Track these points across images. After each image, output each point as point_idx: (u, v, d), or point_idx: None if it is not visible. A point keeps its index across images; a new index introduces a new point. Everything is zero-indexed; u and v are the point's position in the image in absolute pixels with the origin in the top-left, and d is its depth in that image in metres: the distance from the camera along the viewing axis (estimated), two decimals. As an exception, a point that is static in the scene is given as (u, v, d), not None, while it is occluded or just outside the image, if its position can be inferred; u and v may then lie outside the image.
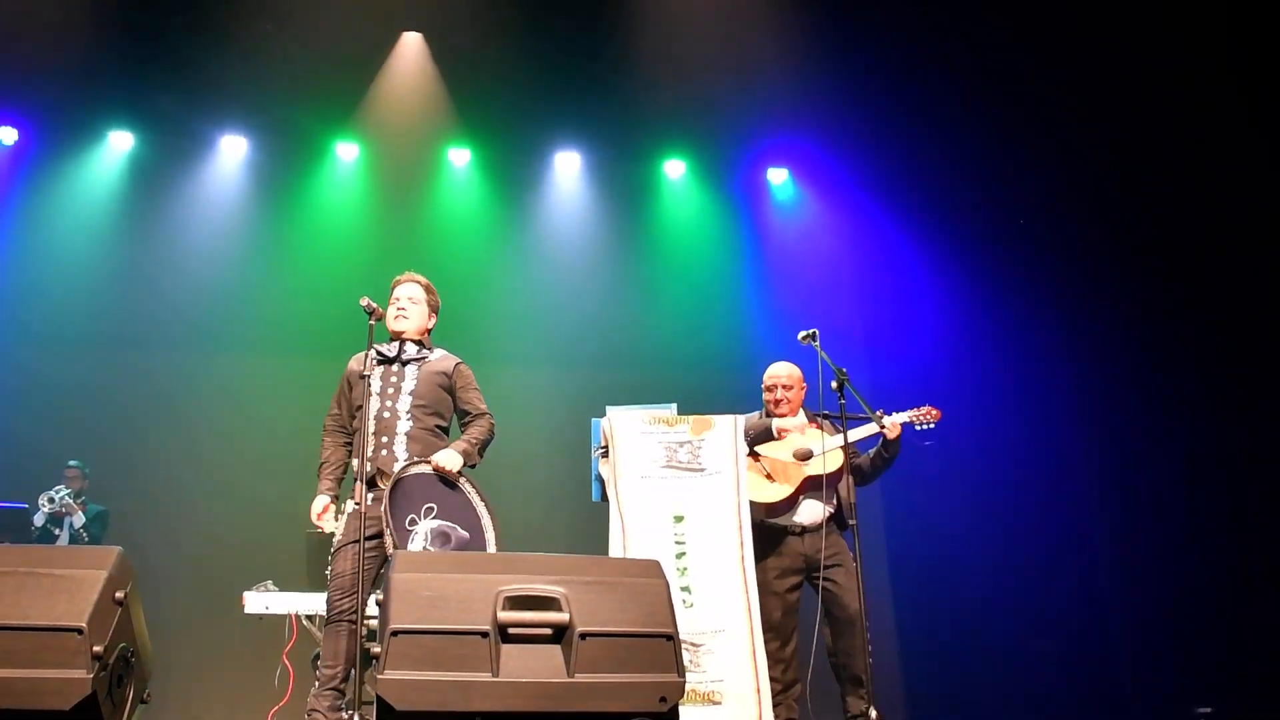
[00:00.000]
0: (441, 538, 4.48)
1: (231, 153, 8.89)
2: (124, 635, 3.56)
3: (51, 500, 7.56)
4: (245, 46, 8.24)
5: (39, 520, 7.54)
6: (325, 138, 8.88)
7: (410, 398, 4.78)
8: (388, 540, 4.41)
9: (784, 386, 5.57)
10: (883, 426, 5.34)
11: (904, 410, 5.48)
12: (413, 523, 4.47)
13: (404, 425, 4.69)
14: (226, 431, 8.23)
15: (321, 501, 4.81)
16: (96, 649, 3.34)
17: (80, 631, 3.34)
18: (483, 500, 4.69)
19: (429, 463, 4.64)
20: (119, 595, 3.54)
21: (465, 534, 4.54)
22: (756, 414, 5.64)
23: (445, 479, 4.65)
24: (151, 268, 8.66)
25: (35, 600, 3.40)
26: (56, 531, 7.62)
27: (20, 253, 8.46)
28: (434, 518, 4.52)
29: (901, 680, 7.70)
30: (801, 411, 5.63)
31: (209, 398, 8.35)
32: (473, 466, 4.79)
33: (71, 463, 7.84)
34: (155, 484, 8.11)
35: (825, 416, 5.44)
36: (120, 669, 3.53)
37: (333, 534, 4.74)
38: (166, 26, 8.15)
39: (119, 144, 8.77)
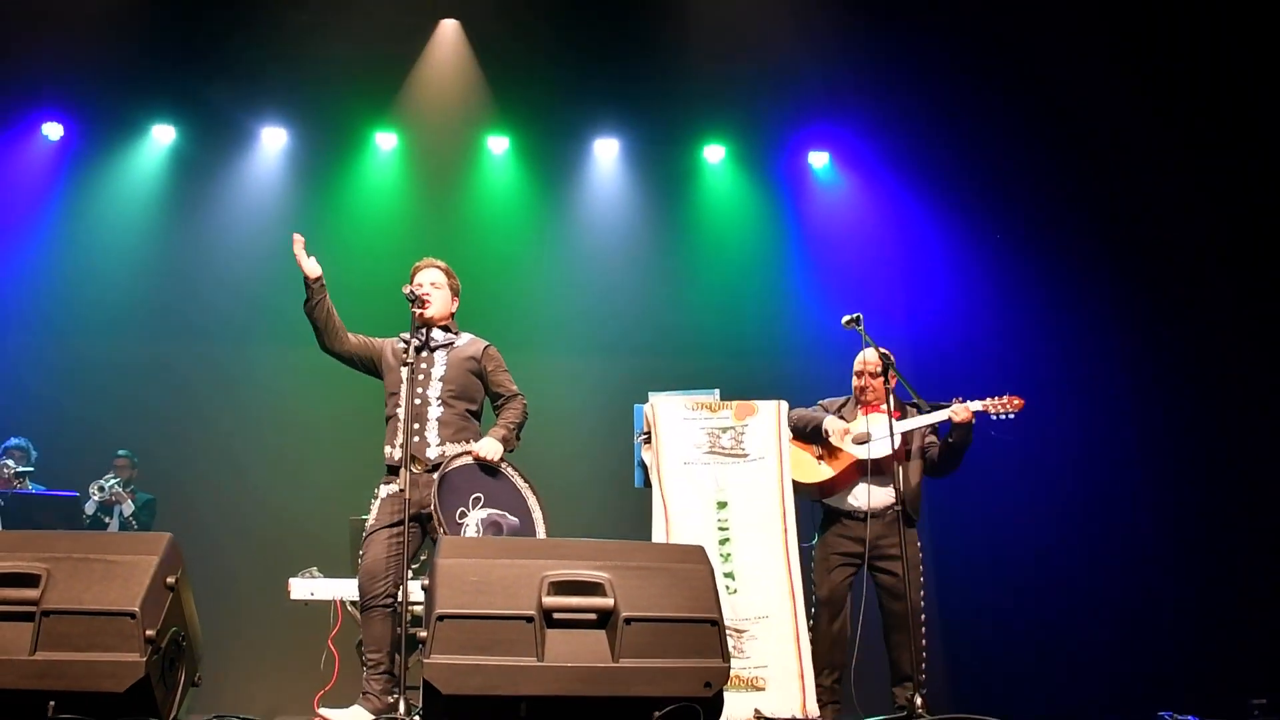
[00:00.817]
0: (494, 527, 4.50)
1: (272, 144, 8.94)
2: (175, 619, 3.61)
3: (101, 489, 7.64)
4: (284, 38, 8.28)
5: (90, 509, 7.63)
6: (364, 127, 8.90)
7: (441, 384, 4.78)
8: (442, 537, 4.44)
9: (872, 374, 5.51)
10: (949, 413, 5.25)
11: (980, 398, 5.37)
12: (463, 515, 4.48)
13: (435, 411, 4.70)
14: (270, 420, 8.30)
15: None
16: (149, 633, 3.40)
17: (133, 616, 3.39)
18: (527, 483, 4.71)
19: (470, 453, 4.65)
20: (170, 580, 3.59)
21: (515, 520, 4.55)
22: (844, 398, 5.60)
23: (487, 467, 4.67)
24: (194, 259, 8.73)
25: (89, 585, 3.46)
26: (107, 520, 7.71)
27: (67, 246, 8.55)
28: (482, 507, 4.54)
29: (947, 672, 7.66)
30: (891, 399, 5.56)
31: (252, 387, 8.42)
32: (511, 451, 4.79)
33: (120, 452, 7.92)
34: (202, 473, 8.19)
35: (913, 405, 5.39)
36: (172, 652, 3.58)
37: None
38: (207, 20, 8.21)
39: (161, 137, 8.83)
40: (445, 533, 4.40)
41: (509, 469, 4.72)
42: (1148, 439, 7.54)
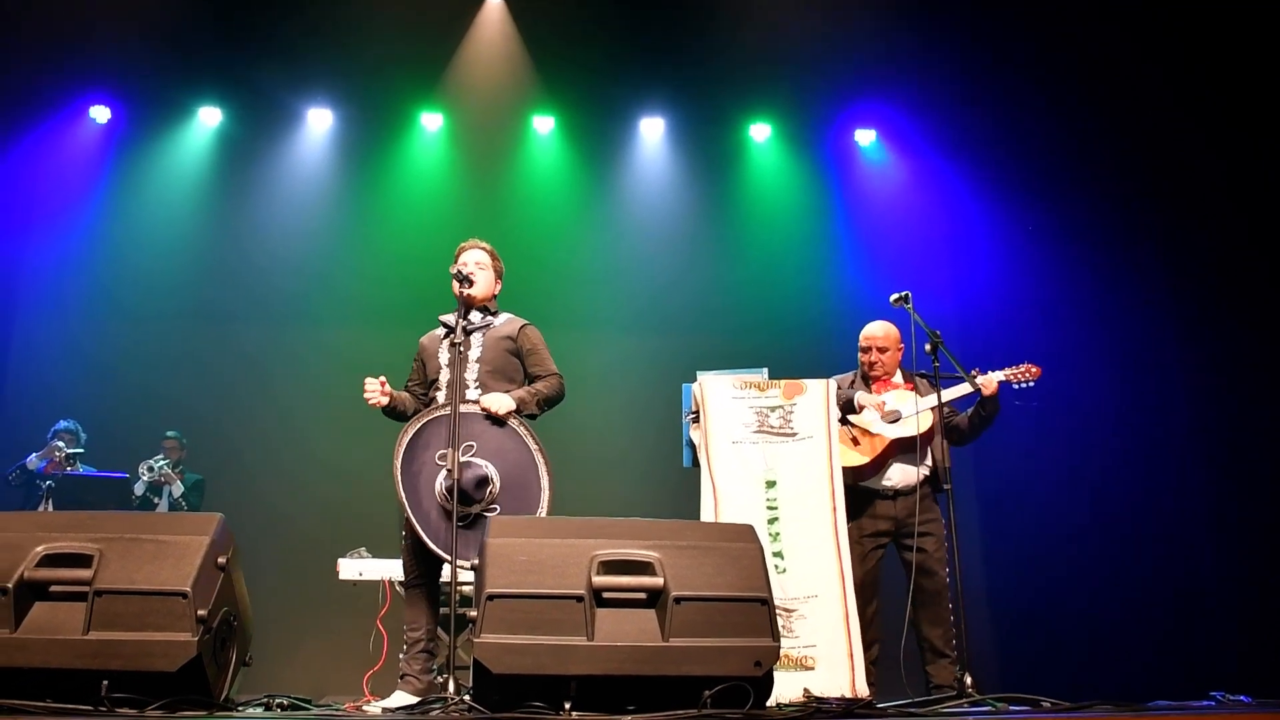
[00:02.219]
0: (477, 478, 4.45)
1: (318, 125, 8.97)
2: (226, 599, 3.62)
3: (151, 469, 7.72)
4: (330, 19, 8.30)
5: (139, 489, 7.72)
6: (410, 108, 8.91)
7: (478, 365, 4.76)
8: (398, 480, 4.45)
9: (879, 349, 5.50)
10: (976, 386, 5.24)
11: (1000, 369, 5.36)
12: (443, 458, 4.42)
13: (473, 393, 4.67)
14: (318, 401, 8.34)
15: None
16: (200, 613, 3.42)
17: (185, 596, 3.41)
18: (531, 435, 4.61)
19: (476, 402, 4.61)
20: (221, 560, 3.61)
21: (484, 471, 4.46)
22: (851, 374, 5.57)
23: (494, 420, 4.60)
24: (242, 241, 8.79)
25: (141, 565, 3.49)
26: (156, 500, 7.79)
27: (115, 229, 8.63)
28: (472, 455, 4.48)
29: (994, 648, 7.60)
30: (899, 372, 5.55)
31: (300, 367, 8.47)
32: (531, 417, 4.73)
33: (169, 433, 8.00)
34: (250, 453, 8.25)
35: (923, 376, 5.37)
36: (223, 632, 3.60)
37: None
38: (252, 2, 8.25)
39: (208, 120, 8.89)
40: (399, 474, 4.43)
41: (521, 428, 4.63)
42: (1200, 412, 7.39)
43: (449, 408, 4.54)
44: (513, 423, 4.62)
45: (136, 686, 3.34)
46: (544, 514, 4.48)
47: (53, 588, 3.47)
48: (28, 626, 3.40)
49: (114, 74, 8.56)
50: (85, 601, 3.41)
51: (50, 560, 3.49)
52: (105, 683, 3.29)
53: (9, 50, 8.08)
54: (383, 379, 4.81)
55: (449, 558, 4.23)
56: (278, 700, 3.82)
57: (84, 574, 3.45)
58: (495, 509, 4.43)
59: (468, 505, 4.38)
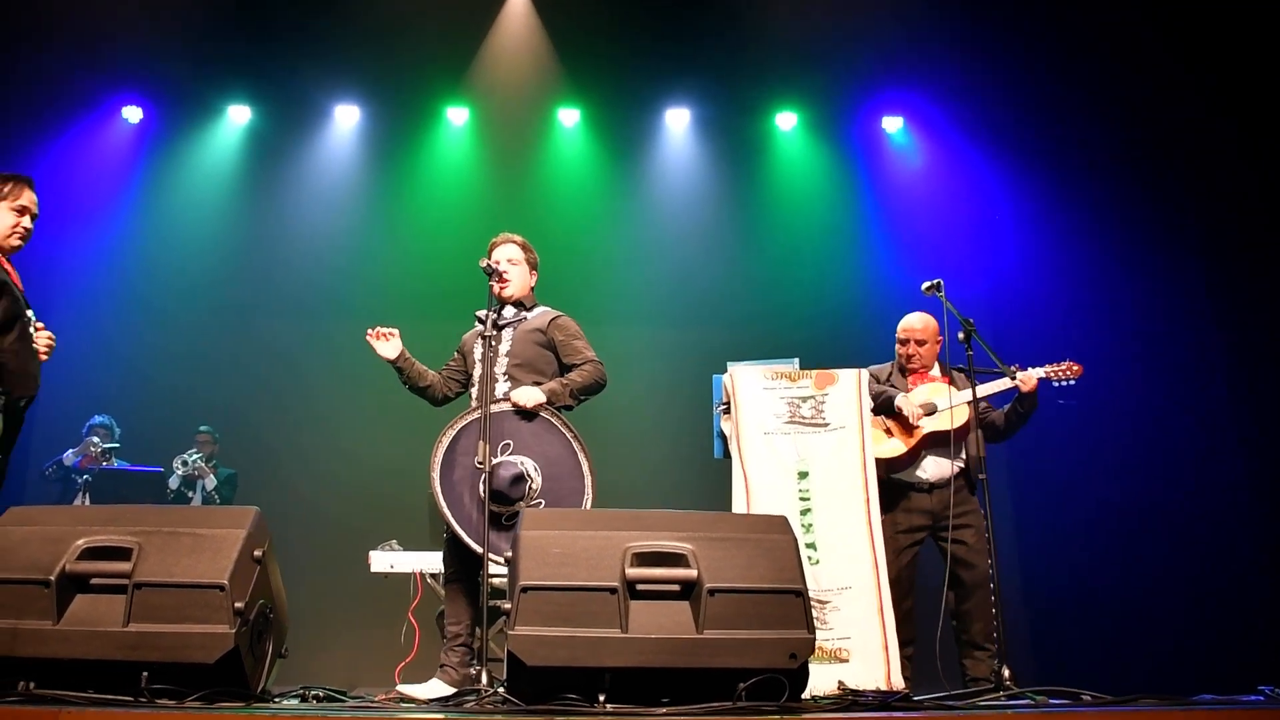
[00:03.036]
0: (513, 476, 4.46)
1: (345, 121, 9.01)
2: (262, 592, 3.65)
3: (185, 464, 7.78)
4: (356, 17, 8.33)
5: (173, 483, 7.78)
6: (436, 103, 8.94)
7: (506, 359, 4.78)
8: (436, 489, 4.45)
9: (917, 341, 5.48)
10: (1015, 380, 5.20)
11: (1041, 365, 5.32)
12: (480, 461, 4.41)
13: (502, 388, 4.68)
14: (349, 395, 8.37)
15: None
16: (238, 605, 3.44)
17: (222, 588, 3.44)
18: (566, 426, 4.62)
19: (506, 399, 4.61)
20: (257, 553, 3.63)
21: (519, 468, 4.47)
22: (888, 365, 5.55)
23: (526, 415, 4.60)
24: (272, 237, 8.83)
25: (179, 558, 3.52)
26: (190, 494, 7.85)
27: (147, 226, 8.70)
28: (509, 453, 4.49)
29: (1030, 641, 7.56)
30: (936, 365, 5.52)
31: (331, 362, 8.51)
32: (567, 408, 4.73)
33: (202, 428, 8.06)
34: (282, 447, 8.30)
35: (960, 369, 5.34)
36: (260, 624, 3.62)
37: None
38: (279, 2, 8.29)
39: (237, 118, 8.95)
40: (440, 483, 4.43)
41: (555, 420, 4.64)
42: (1240, 401, 7.33)
43: (478, 411, 4.56)
44: (546, 415, 4.63)
45: (175, 678, 3.37)
46: (589, 499, 4.50)
47: (93, 580, 3.50)
48: (69, 619, 3.44)
49: (145, 74, 8.64)
50: (125, 594, 3.45)
51: (90, 553, 3.53)
52: (145, 674, 3.32)
53: (44, 52, 8.17)
54: (394, 331, 4.88)
55: (486, 552, 4.25)
56: (313, 692, 3.83)
57: (123, 567, 3.49)
58: (540, 504, 4.45)
59: (507, 504, 4.39)
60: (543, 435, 4.60)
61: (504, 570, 4.15)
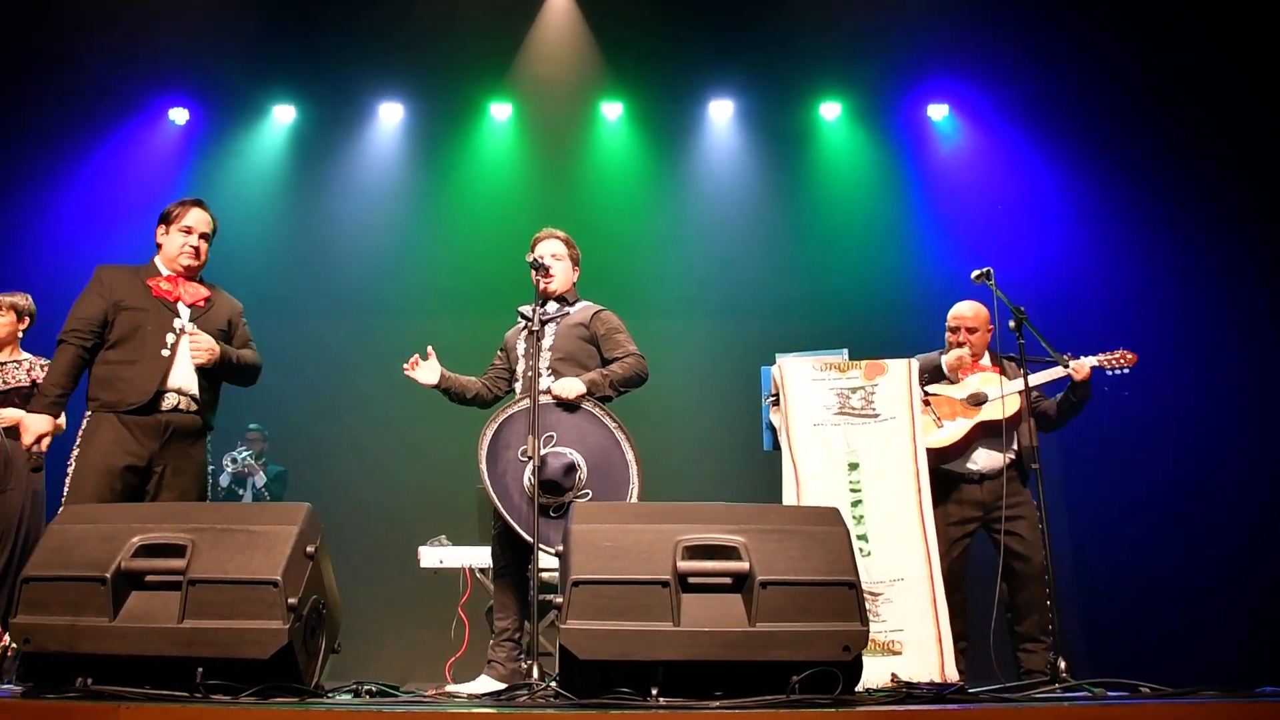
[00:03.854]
0: (564, 466, 4.45)
1: (389, 119, 9.06)
2: (315, 588, 3.66)
3: (234, 461, 7.86)
4: (398, 14, 8.37)
5: (224, 481, 7.85)
6: (479, 98, 8.97)
7: (549, 353, 4.77)
8: (486, 481, 4.44)
9: (968, 329, 5.42)
10: (1068, 369, 5.14)
11: (1094, 353, 5.25)
12: (525, 454, 4.42)
13: (546, 382, 4.66)
14: (396, 392, 8.35)
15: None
16: (291, 601, 3.45)
17: (275, 584, 3.45)
18: (608, 415, 4.60)
19: (547, 391, 4.58)
20: (310, 549, 3.64)
21: (569, 458, 4.46)
22: (936, 353, 5.49)
23: (568, 406, 4.58)
24: (318, 234, 8.90)
25: (233, 555, 3.53)
26: (240, 491, 7.92)
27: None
28: (553, 445, 4.47)
29: (1084, 633, 7.47)
30: (987, 354, 5.47)
31: (377, 358, 8.51)
32: (606, 399, 4.70)
33: (252, 426, 8.13)
34: (330, 444, 8.36)
35: (1010, 358, 5.28)
36: (313, 620, 3.63)
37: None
38: (321, 2, 8.35)
39: (282, 118, 9.03)
40: (485, 475, 4.42)
41: (597, 410, 4.61)
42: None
43: (522, 403, 4.57)
44: (587, 405, 4.61)
45: (230, 674, 3.39)
46: (635, 489, 4.48)
47: (148, 577, 3.53)
48: (125, 615, 3.46)
49: (190, 76, 8.75)
50: (179, 591, 3.47)
51: (145, 550, 3.55)
52: (200, 670, 3.34)
53: (93, 56, 8.28)
54: (428, 351, 4.91)
55: (536, 544, 4.25)
56: (366, 687, 3.85)
57: (178, 564, 3.51)
58: (587, 494, 4.44)
59: (559, 495, 4.39)
60: (585, 427, 4.59)
61: (553, 564, 4.14)
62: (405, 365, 4.92)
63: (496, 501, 4.43)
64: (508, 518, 4.41)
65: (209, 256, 4.93)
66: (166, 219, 4.81)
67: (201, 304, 4.76)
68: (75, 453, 4.47)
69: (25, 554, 5.52)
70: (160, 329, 4.58)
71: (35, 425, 4.51)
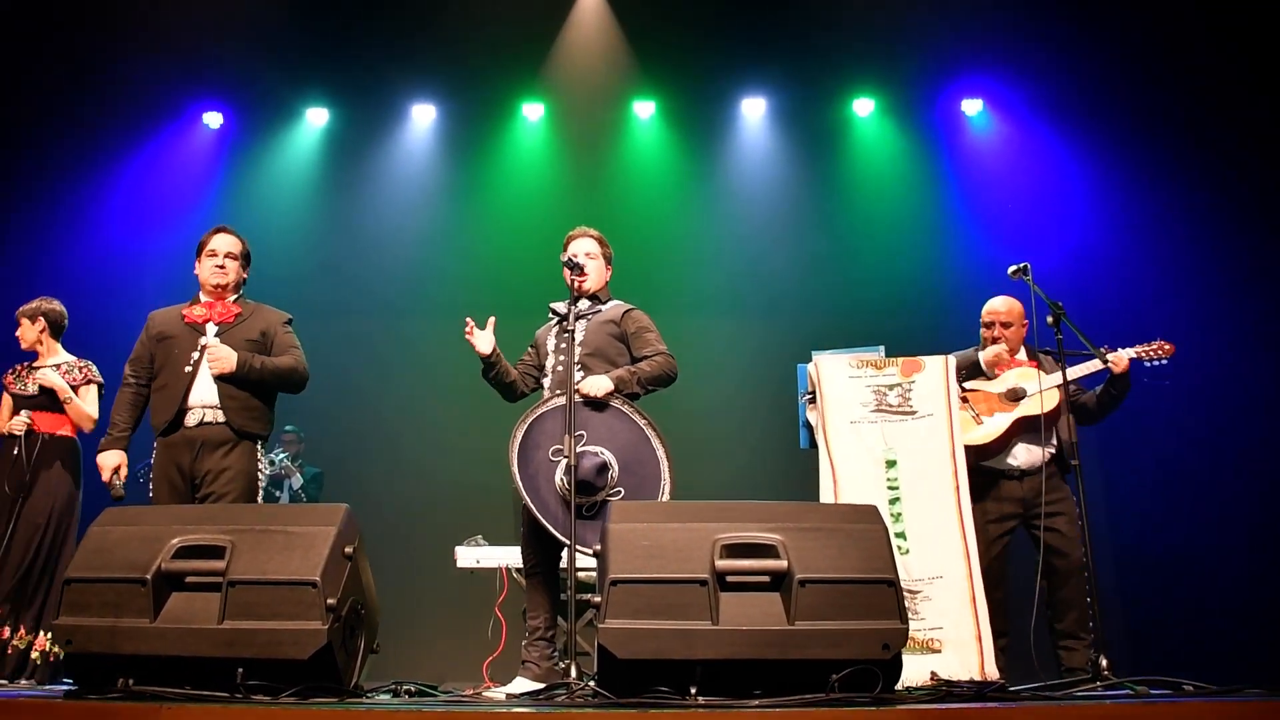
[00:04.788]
0: (596, 465, 4.42)
1: (422, 120, 9.09)
2: (354, 588, 3.67)
3: (271, 463, 7.89)
4: (429, 16, 8.40)
5: (260, 482, 7.88)
6: (511, 99, 8.99)
7: (580, 349, 4.76)
8: (518, 482, 4.42)
9: (1002, 324, 5.39)
10: (1106, 362, 5.09)
11: (1132, 345, 5.19)
12: (557, 453, 4.42)
13: (577, 378, 4.67)
14: (430, 393, 8.44)
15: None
16: (330, 601, 3.46)
17: (314, 585, 3.46)
18: (637, 412, 4.58)
19: (575, 390, 4.55)
20: (348, 550, 3.65)
21: (599, 458, 4.44)
22: (973, 349, 5.45)
23: (595, 404, 4.57)
24: (351, 235, 8.93)
25: (271, 556, 3.55)
26: (277, 493, 7.96)
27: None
28: (584, 444, 4.45)
29: (1126, 630, 7.39)
30: (1023, 348, 5.42)
31: (412, 359, 8.59)
32: (635, 396, 4.68)
33: (287, 428, 8.16)
34: (366, 445, 8.38)
35: (1047, 353, 5.24)
36: (352, 620, 3.64)
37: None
38: (354, 3, 8.39)
39: (315, 120, 9.08)
40: (520, 476, 4.40)
41: (626, 408, 4.60)
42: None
43: (551, 402, 4.58)
44: (615, 403, 4.60)
45: (269, 674, 3.40)
46: (667, 486, 4.47)
47: (188, 578, 3.55)
48: (165, 616, 3.49)
49: (224, 81, 8.83)
50: (219, 592, 3.49)
51: (185, 552, 3.58)
52: (240, 670, 3.36)
53: (129, 63, 8.37)
54: (491, 320, 4.89)
55: (573, 544, 4.25)
56: (405, 687, 3.85)
57: (217, 565, 3.53)
58: (619, 492, 4.42)
59: (592, 494, 4.37)
60: (614, 425, 4.58)
61: (587, 562, 4.14)
62: (468, 327, 4.87)
63: (529, 503, 4.43)
64: (542, 520, 4.40)
65: (250, 274, 5.19)
66: (198, 250, 5.07)
67: (230, 320, 4.97)
68: (151, 479, 4.81)
69: (52, 559, 5.60)
70: (186, 350, 4.84)
71: (106, 462, 4.85)
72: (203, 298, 5.03)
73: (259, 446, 4.95)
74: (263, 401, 4.96)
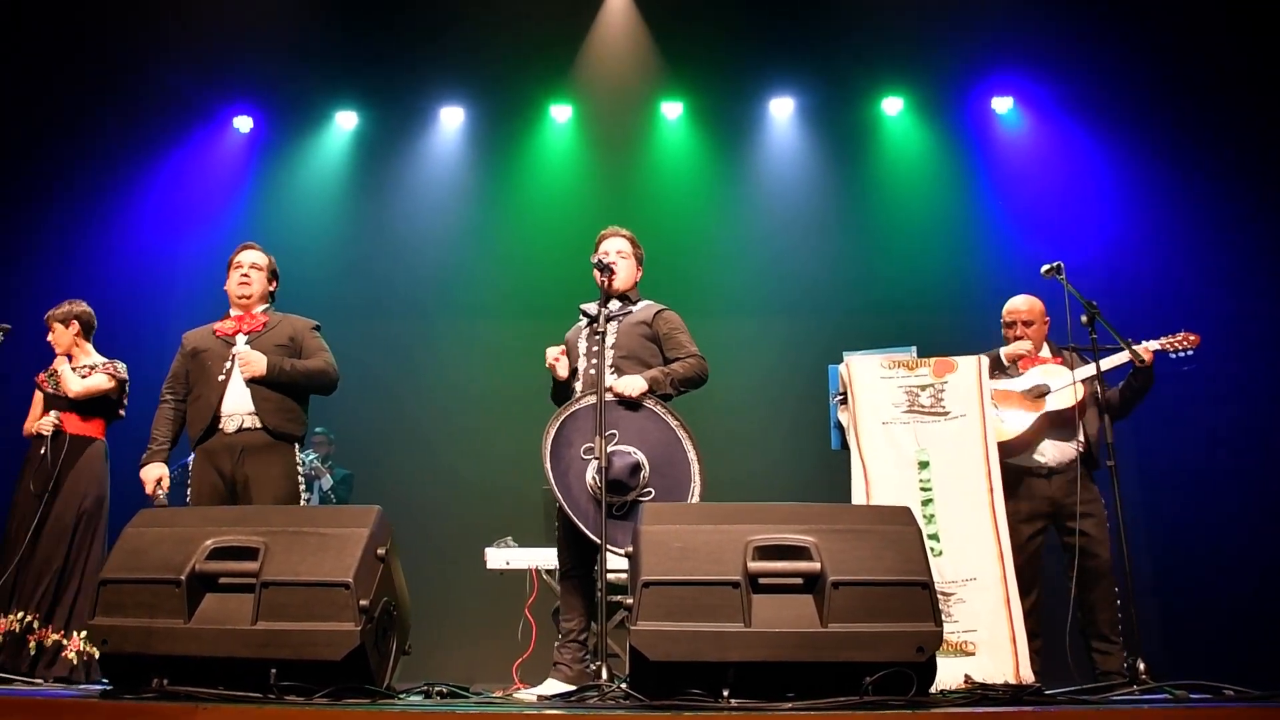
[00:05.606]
0: (630, 465, 4.41)
1: (450, 122, 9.11)
2: (386, 589, 3.67)
3: (301, 464, 7.91)
4: (457, 19, 8.42)
5: (289, 484, 7.92)
6: (539, 100, 8.99)
7: (612, 351, 4.75)
8: (549, 478, 4.42)
9: (1024, 323, 5.36)
10: (1139, 360, 5.04)
11: (1155, 338, 5.15)
12: (589, 451, 4.41)
13: (609, 380, 4.66)
14: (460, 394, 8.45)
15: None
16: (362, 602, 3.47)
17: (347, 586, 3.47)
18: (670, 413, 4.57)
19: (609, 389, 4.55)
20: (380, 551, 3.66)
21: (633, 458, 4.43)
22: (996, 349, 5.42)
23: (629, 404, 4.56)
24: (380, 237, 8.96)
25: (304, 557, 3.56)
26: (307, 495, 7.94)
27: (259, 232, 8.81)
28: (616, 444, 4.44)
29: (1163, 633, 7.32)
30: (1046, 346, 5.38)
31: (442, 361, 8.60)
32: (666, 397, 4.67)
33: (317, 429, 8.18)
34: (395, 447, 8.40)
35: (1071, 349, 5.20)
36: (384, 622, 3.65)
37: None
38: (382, 6, 8.41)
39: (344, 123, 9.12)
40: (549, 472, 4.40)
41: (659, 408, 4.58)
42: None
43: (583, 401, 4.57)
44: (648, 403, 4.59)
45: (303, 675, 3.42)
46: (697, 488, 4.46)
47: (222, 579, 3.57)
48: (199, 617, 3.51)
49: (254, 85, 8.89)
50: (253, 593, 3.51)
51: (219, 553, 3.60)
52: (274, 671, 3.37)
53: (160, 67, 8.45)
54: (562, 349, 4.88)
55: (619, 551, 4.25)
56: (436, 688, 3.86)
57: (251, 566, 3.55)
58: (649, 493, 4.41)
59: (623, 494, 4.36)
60: (646, 425, 4.56)
61: (619, 564, 4.13)
62: (551, 359, 4.85)
63: (561, 500, 4.42)
64: (572, 516, 4.39)
65: (280, 278, 5.35)
66: (228, 267, 5.23)
67: (259, 329, 5.10)
68: (190, 489, 4.91)
69: (80, 560, 5.64)
70: (218, 361, 4.98)
71: (149, 474, 4.94)
72: (232, 312, 5.18)
73: (296, 447, 5.02)
74: (297, 403, 5.07)
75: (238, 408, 4.88)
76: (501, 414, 8.13)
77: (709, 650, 3.36)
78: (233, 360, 4.94)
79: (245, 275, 5.16)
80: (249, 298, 5.16)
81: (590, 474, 4.40)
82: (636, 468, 4.40)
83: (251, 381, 4.90)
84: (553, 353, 4.83)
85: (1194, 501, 7.47)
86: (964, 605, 4.60)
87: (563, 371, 4.85)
